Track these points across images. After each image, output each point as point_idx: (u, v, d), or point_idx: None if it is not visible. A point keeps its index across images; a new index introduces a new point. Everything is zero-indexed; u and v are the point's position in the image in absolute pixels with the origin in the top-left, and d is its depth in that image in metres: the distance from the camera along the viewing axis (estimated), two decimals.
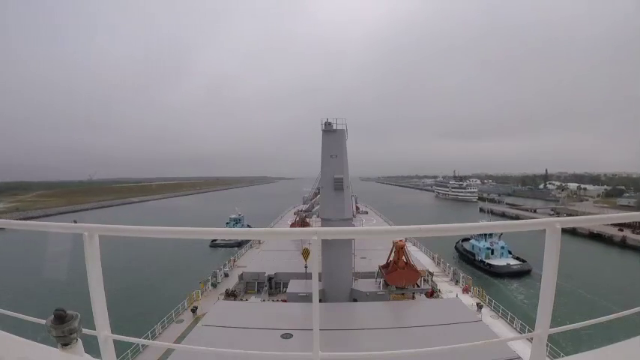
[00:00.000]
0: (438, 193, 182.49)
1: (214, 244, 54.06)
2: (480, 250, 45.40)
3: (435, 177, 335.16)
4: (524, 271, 41.87)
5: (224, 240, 51.92)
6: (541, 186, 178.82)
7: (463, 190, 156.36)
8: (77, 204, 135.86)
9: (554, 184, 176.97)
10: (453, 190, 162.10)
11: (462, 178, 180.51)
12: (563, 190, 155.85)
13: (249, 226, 61.79)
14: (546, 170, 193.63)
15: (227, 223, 64.04)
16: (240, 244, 46.09)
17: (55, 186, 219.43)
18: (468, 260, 47.32)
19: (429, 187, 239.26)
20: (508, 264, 42.95)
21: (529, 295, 35.03)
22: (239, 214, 66.71)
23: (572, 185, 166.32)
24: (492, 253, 44.81)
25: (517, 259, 44.23)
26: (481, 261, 44.55)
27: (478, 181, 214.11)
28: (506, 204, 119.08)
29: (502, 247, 45.16)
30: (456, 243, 52.87)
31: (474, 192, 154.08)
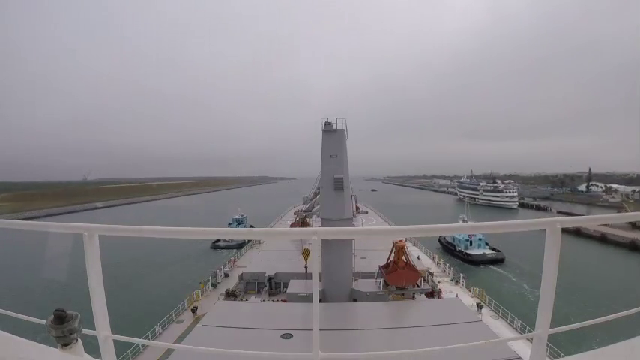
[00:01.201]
0: (464, 196, 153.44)
1: (215, 246, 53.51)
2: (459, 241, 49.47)
3: (446, 177, 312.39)
4: (499, 259, 46.64)
5: (225, 241, 51.74)
6: (580, 188, 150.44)
7: (500, 195, 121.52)
8: (28, 210, 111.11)
9: (597, 186, 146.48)
10: (486, 193, 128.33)
11: (494, 179, 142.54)
12: (610, 193, 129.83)
13: (251, 226, 61.54)
14: (589, 170, 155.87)
15: (229, 224, 63.70)
16: (241, 245, 45.85)
17: (35, 187, 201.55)
18: (448, 250, 50.75)
19: (445, 189, 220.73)
20: (484, 253, 47.27)
21: (498, 276, 42.23)
22: (241, 215, 66.24)
23: (618, 187, 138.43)
24: (471, 244, 48.68)
25: (493, 249, 48.57)
26: (460, 251, 48.69)
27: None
28: (559, 212, 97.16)
29: (479, 239, 48.73)
30: (440, 235, 53.73)
31: (514, 197, 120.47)
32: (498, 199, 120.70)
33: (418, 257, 33.05)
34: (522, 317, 22.42)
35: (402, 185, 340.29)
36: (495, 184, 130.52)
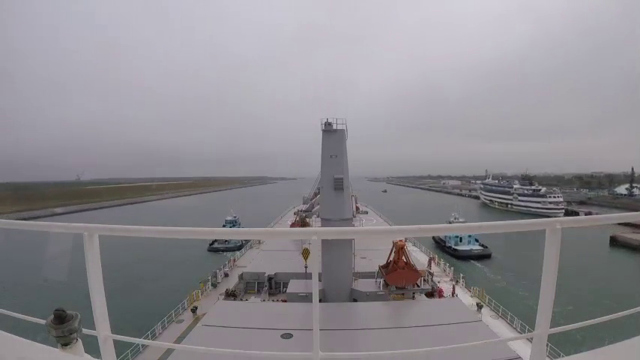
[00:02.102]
0: (492, 201, 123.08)
1: (213, 248, 52.17)
2: (449, 238, 51.55)
3: (453, 177, 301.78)
4: (485, 255, 48.90)
5: (222, 243, 51.32)
6: (619, 190, 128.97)
7: (542, 200, 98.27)
8: None
9: None
10: (522, 198, 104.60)
11: (531, 181, 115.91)
12: None
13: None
14: (632, 169, 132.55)
15: (224, 226, 63.47)
16: (240, 248, 45.49)
17: (21, 187, 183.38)
18: (439, 247, 53.03)
19: (459, 191, 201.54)
20: (471, 249, 49.57)
21: (478, 269, 44.61)
22: (234, 216, 65.86)
23: None
24: (461, 240, 50.56)
25: (481, 245, 50.57)
26: (449, 247, 51.11)
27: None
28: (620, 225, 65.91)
29: (469, 236, 50.39)
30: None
31: (559, 202, 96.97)
32: (539, 204, 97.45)
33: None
34: (491, 294, 25.39)
35: (409, 186, 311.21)
36: (535, 187, 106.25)
